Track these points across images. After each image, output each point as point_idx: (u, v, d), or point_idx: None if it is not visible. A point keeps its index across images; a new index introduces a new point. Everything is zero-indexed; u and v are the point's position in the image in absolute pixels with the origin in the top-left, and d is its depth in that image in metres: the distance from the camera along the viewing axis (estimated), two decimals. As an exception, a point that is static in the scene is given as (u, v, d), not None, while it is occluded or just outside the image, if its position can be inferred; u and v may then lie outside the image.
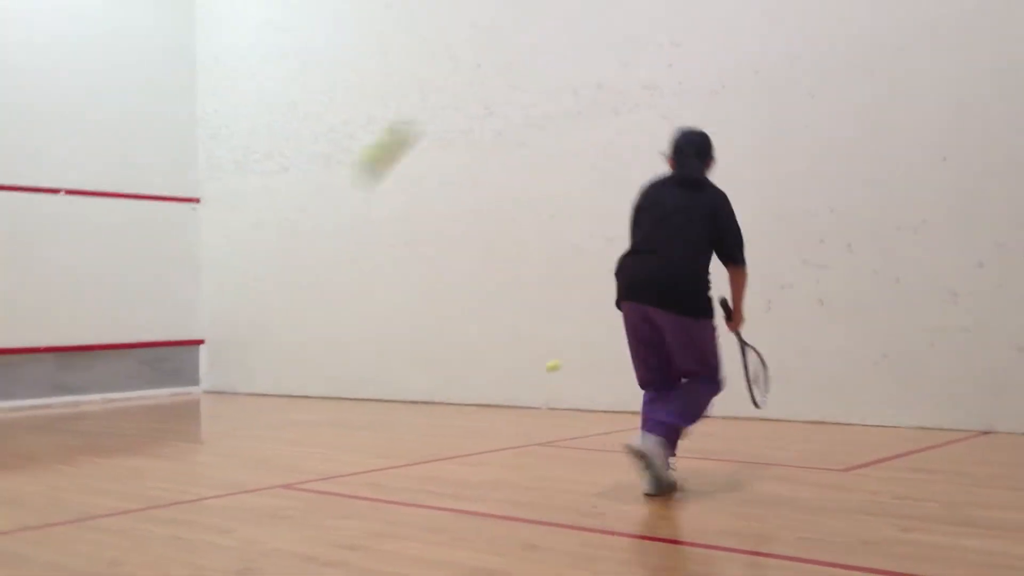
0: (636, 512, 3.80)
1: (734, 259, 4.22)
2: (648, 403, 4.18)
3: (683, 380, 4.23)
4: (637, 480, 4.04)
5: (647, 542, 3.40)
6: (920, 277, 6.06)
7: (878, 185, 6.27)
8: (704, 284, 4.15)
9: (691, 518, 3.68)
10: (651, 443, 3.93)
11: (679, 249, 4.11)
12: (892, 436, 5.72)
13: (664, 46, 7.30)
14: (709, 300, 4.16)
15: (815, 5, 6.65)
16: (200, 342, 10.38)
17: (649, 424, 4.03)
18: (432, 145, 8.22)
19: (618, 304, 4.27)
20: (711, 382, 4.20)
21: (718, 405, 4.27)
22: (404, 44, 8.96)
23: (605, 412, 7.25)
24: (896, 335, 6.15)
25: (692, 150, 4.35)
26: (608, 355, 7.47)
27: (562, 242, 7.83)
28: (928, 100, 6.14)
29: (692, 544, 3.34)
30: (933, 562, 2.91)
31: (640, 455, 3.92)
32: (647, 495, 3.95)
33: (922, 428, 5.95)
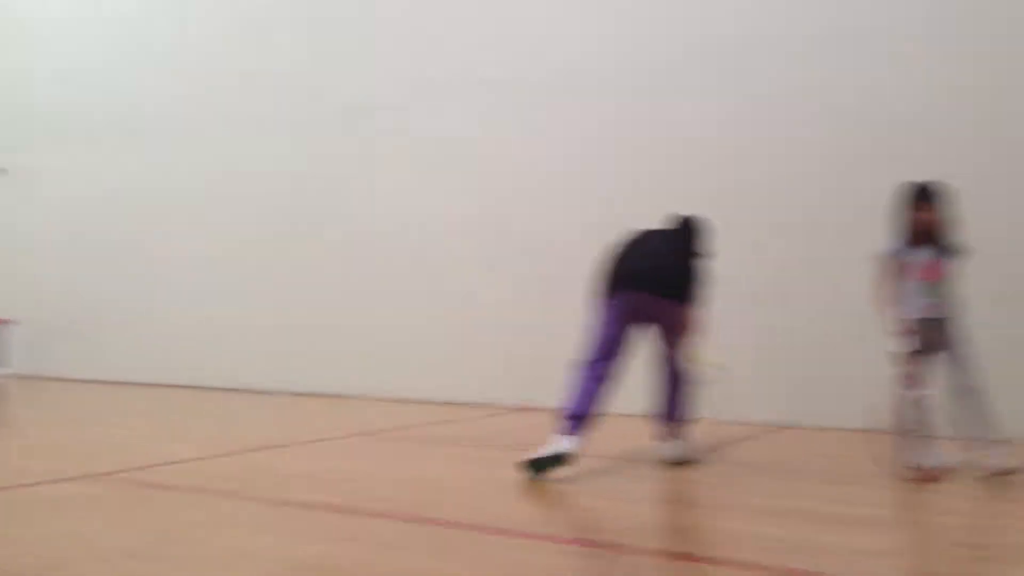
0: (466, 502, 3.90)
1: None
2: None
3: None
4: (462, 469, 4.15)
5: (476, 533, 3.50)
6: (728, 282, 6.44)
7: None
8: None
9: (516, 507, 3.82)
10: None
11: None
12: (700, 432, 6.05)
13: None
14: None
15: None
16: (7, 322, 9.80)
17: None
18: (254, 131, 8.09)
19: (608, 295, 4.69)
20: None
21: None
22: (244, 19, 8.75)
23: (440, 404, 7.35)
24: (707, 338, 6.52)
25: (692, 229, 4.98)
26: (446, 346, 7.63)
27: (404, 233, 7.87)
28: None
29: (520, 535, 3.46)
30: (731, 546, 3.16)
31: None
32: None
33: (728, 423, 6.35)
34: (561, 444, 4.39)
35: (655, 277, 4.70)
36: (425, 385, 7.61)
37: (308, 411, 7.23)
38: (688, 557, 3.07)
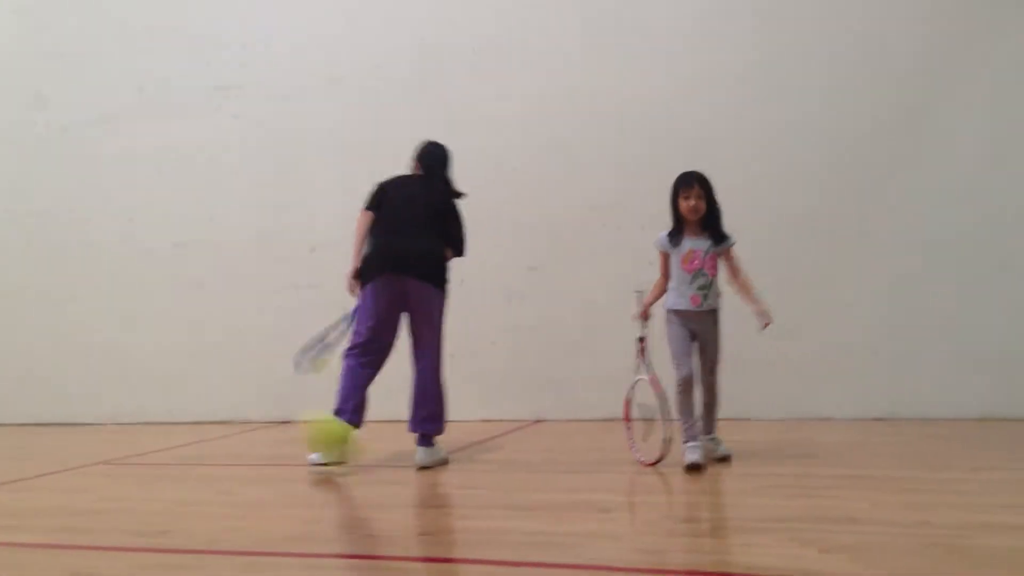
0: (201, 527, 3.67)
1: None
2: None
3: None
4: (203, 495, 3.90)
5: (210, 556, 3.29)
6: (482, 280, 6.55)
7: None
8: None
9: (258, 526, 3.64)
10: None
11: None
12: (459, 430, 6.10)
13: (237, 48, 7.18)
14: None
15: (397, 16, 6.91)
16: None
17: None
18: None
19: (368, 279, 4.73)
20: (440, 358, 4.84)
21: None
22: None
23: (188, 424, 6.94)
24: (463, 335, 6.57)
25: (437, 159, 5.04)
26: (189, 364, 7.20)
27: (136, 246, 7.37)
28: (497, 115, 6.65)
29: (259, 553, 3.29)
30: (484, 546, 3.15)
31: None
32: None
33: (485, 420, 6.43)
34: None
35: (415, 259, 4.74)
36: (171, 406, 7.15)
37: (32, 441, 6.59)
38: (446, 559, 3.03)
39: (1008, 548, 2.82)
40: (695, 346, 4.52)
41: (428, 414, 4.79)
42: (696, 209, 4.44)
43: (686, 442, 4.44)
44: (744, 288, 4.51)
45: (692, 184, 4.46)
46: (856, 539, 2.93)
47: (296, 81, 7.06)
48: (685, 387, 4.46)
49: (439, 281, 4.81)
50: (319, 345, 4.87)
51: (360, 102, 6.94)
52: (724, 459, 4.57)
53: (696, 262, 4.48)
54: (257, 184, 7.11)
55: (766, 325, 4.37)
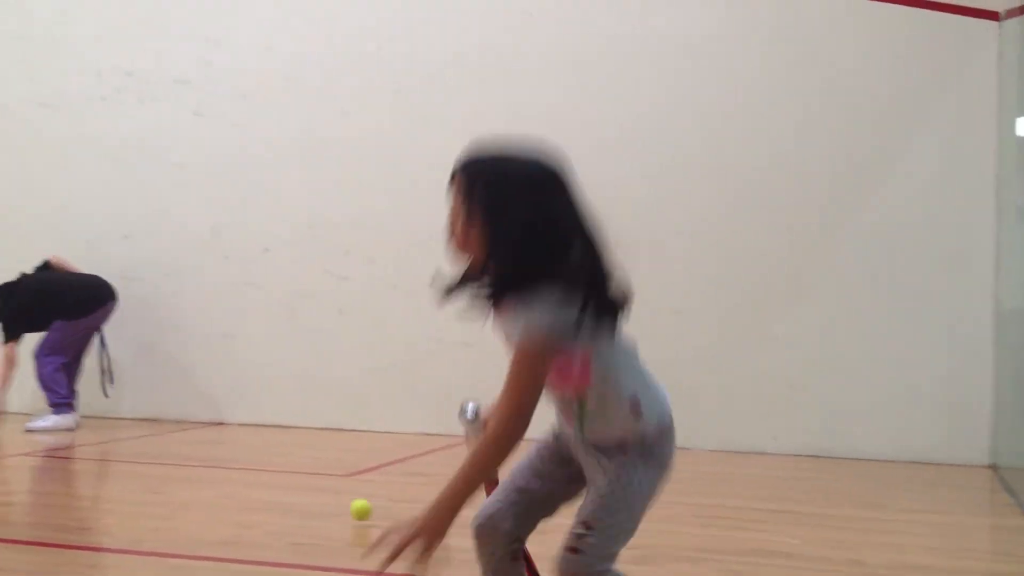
0: (125, 525, 3.57)
1: None
2: None
3: None
4: (122, 492, 3.81)
5: (132, 556, 3.20)
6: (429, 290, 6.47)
7: (398, 198, 6.60)
8: None
9: (184, 528, 3.55)
10: None
11: None
12: (397, 441, 6.04)
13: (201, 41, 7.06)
14: None
15: (344, 10, 6.84)
16: None
17: None
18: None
19: None
20: None
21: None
22: None
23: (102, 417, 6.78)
24: (404, 344, 6.52)
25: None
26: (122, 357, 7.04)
27: (75, 237, 7.16)
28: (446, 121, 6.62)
29: (182, 556, 3.21)
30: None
31: None
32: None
33: (423, 433, 6.37)
34: None
35: None
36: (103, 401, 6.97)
37: None
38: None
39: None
40: None
41: None
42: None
43: None
44: None
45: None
46: (789, 574, 2.95)
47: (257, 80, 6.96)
48: None
49: None
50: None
51: (319, 105, 6.86)
52: None
53: None
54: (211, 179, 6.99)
55: None
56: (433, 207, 5.74)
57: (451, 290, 1.92)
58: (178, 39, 7.11)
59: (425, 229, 6.25)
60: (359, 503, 3.66)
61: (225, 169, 7.00)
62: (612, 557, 1.88)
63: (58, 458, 5.34)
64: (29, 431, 6.03)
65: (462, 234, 1.85)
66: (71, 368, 6.45)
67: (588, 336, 1.80)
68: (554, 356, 1.80)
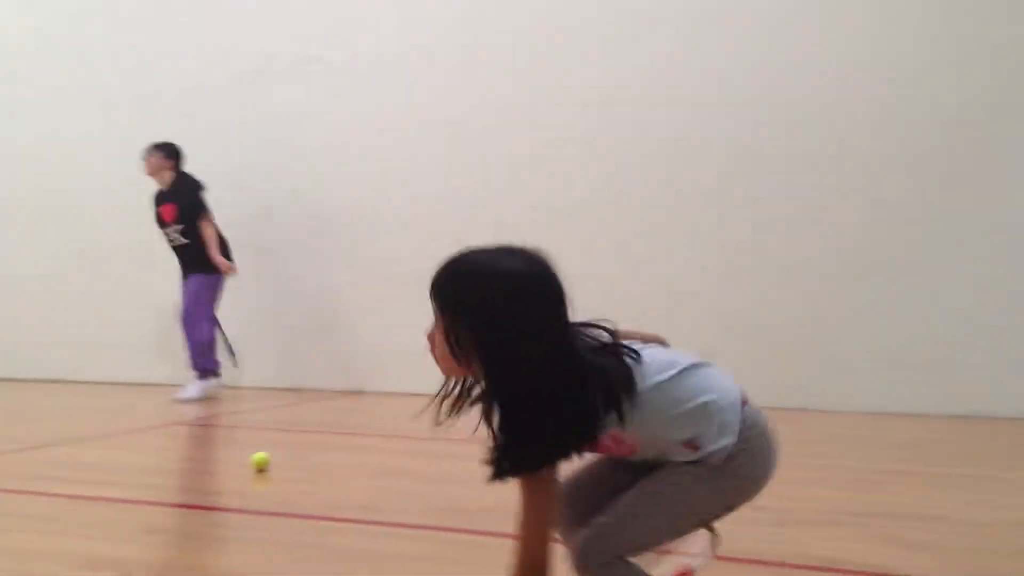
0: (275, 489, 3.70)
1: None
2: None
3: None
4: (274, 458, 3.95)
5: (284, 518, 3.31)
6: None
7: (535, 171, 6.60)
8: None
9: (326, 492, 3.65)
10: None
11: None
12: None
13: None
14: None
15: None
16: None
17: None
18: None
19: None
20: None
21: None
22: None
23: (252, 388, 7.05)
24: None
25: None
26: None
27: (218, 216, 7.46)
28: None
29: (327, 519, 3.30)
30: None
31: None
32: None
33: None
34: None
35: None
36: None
37: (112, 400, 6.77)
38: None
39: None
40: None
41: None
42: None
43: None
44: None
45: None
46: (939, 537, 2.81)
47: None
48: None
49: None
50: None
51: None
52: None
53: None
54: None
55: None
56: (571, 180, 5.77)
57: (455, 407, 1.92)
58: (314, 21, 7.30)
59: (563, 200, 6.36)
60: (258, 455, 3.84)
61: (363, 148, 7.15)
62: (624, 549, 1.76)
63: (209, 426, 5.59)
64: (179, 401, 6.32)
65: (452, 355, 1.82)
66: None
67: (614, 423, 1.70)
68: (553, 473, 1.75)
